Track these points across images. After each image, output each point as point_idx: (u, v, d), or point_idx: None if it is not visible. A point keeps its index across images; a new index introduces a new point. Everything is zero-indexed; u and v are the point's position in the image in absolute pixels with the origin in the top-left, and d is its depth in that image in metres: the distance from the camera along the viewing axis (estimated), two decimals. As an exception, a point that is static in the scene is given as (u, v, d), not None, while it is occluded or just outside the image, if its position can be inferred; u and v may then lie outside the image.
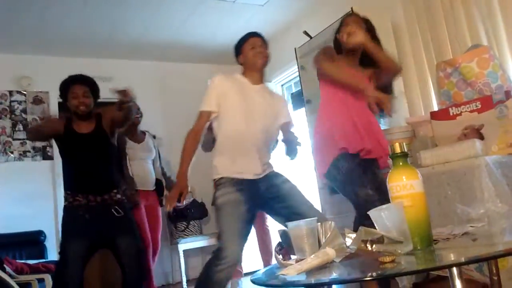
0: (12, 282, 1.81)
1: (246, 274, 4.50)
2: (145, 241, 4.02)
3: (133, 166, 4.16)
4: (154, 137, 4.48)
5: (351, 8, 3.71)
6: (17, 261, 3.77)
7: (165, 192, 4.38)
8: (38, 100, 5.00)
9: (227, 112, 2.57)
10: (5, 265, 3.36)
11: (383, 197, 2.08)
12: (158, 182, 4.35)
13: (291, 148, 2.54)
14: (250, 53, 2.65)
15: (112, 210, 3.00)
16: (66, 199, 3.02)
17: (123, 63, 5.40)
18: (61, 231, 3.07)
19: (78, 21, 4.50)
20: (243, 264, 4.28)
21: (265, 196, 2.54)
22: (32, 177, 4.71)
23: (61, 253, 2.93)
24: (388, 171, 1.27)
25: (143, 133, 4.38)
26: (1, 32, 4.43)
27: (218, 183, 2.51)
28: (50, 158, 4.89)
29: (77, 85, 3.07)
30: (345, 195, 2.55)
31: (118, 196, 3.08)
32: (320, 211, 2.99)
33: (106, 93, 5.30)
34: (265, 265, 4.25)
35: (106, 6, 4.27)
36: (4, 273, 1.88)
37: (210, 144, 3.94)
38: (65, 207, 3.02)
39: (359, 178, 2.40)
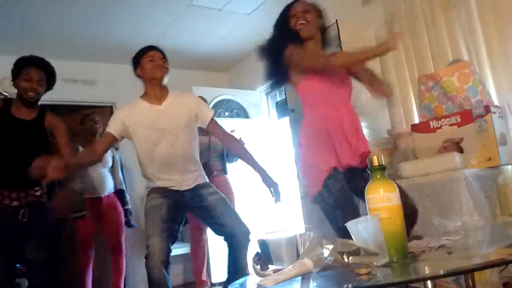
0: None
1: (214, 285, 4.51)
2: (86, 252, 4.05)
3: (84, 175, 4.09)
4: (116, 148, 4.42)
5: (336, 20, 3.74)
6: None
7: (129, 206, 4.39)
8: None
9: (136, 143, 2.72)
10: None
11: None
12: (120, 192, 4.34)
13: (276, 193, 2.70)
14: (149, 65, 2.72)
15: (21, 212, 2.58)
16: None
17: (107, 67, 5.37)
18: None
19: (62, 23, 4.46)
20: (210, 274, 4.30)
21: (189, 205, 2.72)
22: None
23: None
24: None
25: None
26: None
27: (147, 194, 2.73)
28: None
29: (34, 68, 2.76)
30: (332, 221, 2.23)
31: (38, 194, 2.69)
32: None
33: (89, 97, 5.33)
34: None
35: (91, 8, 4.24)
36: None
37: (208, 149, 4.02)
38: None
39: (349, 201, 2.16)
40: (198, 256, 4.20)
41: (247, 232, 2.64)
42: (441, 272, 1.04)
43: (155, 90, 2.73)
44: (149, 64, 2.72)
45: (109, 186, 4.26)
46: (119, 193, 4.32)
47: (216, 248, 4.42)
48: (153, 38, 4.96)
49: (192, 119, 2.74)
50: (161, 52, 2.81)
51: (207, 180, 2.83)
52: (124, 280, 4.92)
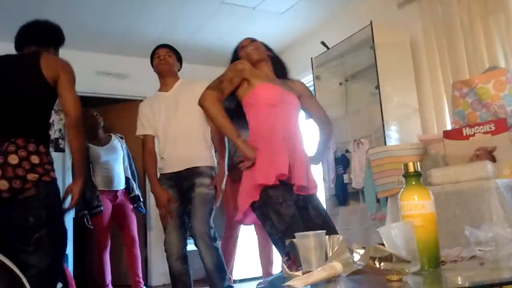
0: (16, 269, 1.78)
1: (236, 282, 4.52)
2: (100, 245, 4.21)
3: (97, 169, 4.27)
4: (121, 137, 4.58)
5: (370, 22, 3.71)
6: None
7: (135, 192, 4.46)
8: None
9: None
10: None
11: None
12: (126, 180, 4.44)
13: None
14: (155, 62, 3.14)
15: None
16: None
17: (139, 61, 5.43)
18: None
19: (98, 17, 4.54)
20: (233, 271, 4.30)
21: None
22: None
23: None
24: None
25: (109, 135, 4.52)
26: (20, 25, 4.48)
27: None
28: (62, 150, 4.93)
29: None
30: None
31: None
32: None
33: (122, 90, 5.42)
34: (264, 274, 4.25)
35: (126, 4, 4.31)
36: (7, 260, 1.81)
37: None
38: None
39: None
40: (227, 251, 4.22)
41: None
42: (467, 285, 1.03)
43: (165, 81, 3.14)
44: (156, 60, 3.14)
45: (123, 180, 4.40)
46: (125, 181, 4.43)
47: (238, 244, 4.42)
48: (185, 36, 5.02)
49: (197, 103, 2.90)
50: (169, 47, 3.18)
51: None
52: (147, 271, 5.01)
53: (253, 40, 2.53)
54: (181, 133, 2.97)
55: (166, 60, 3.10)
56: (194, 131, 2.99)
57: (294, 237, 2.05)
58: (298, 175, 2.23)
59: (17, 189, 2.10)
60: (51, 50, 2.48)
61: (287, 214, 2.12)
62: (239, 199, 2.28)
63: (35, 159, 2.17)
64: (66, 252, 2.81)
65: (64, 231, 2.31)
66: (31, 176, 2.12)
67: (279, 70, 2.55)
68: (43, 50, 2.37)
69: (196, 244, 2.85)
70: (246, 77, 2.34)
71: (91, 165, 4.26)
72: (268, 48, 2.56)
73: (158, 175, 3.04)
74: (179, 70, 3.23)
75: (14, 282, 1.59)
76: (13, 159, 2.11)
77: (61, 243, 2.29)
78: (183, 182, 2.94)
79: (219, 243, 2.95)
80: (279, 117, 2.30)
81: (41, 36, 2.48)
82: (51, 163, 2.26)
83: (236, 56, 2.53)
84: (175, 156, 2.96)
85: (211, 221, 2.89)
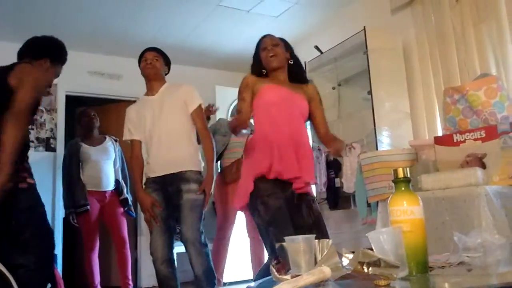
0: (4, 270, 1.86)
1: (226, 284, 4.51)
2: (87, 245, 4.18)
3: (86, 168, 4.26)
4: (116, 140, 4.55)
5: (364, 27, 3.73)
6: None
7: (125, 195, 4.44)
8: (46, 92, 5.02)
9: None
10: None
11: None
12: (116, 182, 4.42)
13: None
14: (142, 65, 3.10)
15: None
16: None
17: (133, 62, 5.41)
18: None
19: (92, 18, 4.53)
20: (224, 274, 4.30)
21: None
22: (33, 168, 4.70)
23: None
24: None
25: (104, 137, 4.50)
26: (14, 25, 4.46)
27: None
28: (53, 149, 4.91)
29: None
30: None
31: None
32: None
33: (115, 91, 5.39)
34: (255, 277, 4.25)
35: (121, 5, 4.30)
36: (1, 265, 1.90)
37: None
38: None
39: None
40: (219, 253, 4.21)
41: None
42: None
43: (151, 85, 3.10)
44: (143, 64, 3.10)
45: (112, 181, 4.36)
46: (116, 183, 4.40)
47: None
48: (180, 37, 5.02)
49: (182, 106, 2.99)
50: (157, 51, 3.15)
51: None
52: (136, 273, 4.99)
53: (274, 44, 2.55)
54: (165, 137, 2.94)
55: (153, 64, 3.06)
56: (178, 134, 2.96)
57: (277, 229, 2.18)
58: (291, 170, 2.34)
59: None
60: (45, 63, 2.49)
61: (273, 205, 2.25)
62: (239, 190, 2.44)
63: None
64: (55, 252, 2.79)
65: (48, 231, 2.39)
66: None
67: (295, 75, 2.61)
68: (31, 61, 2.39)
69: (187, 250, 2.84)
70: (253, 88, 2.47)
71: (81, 164, 4.25)
72: (287, 48, 2.62)
73: (144, 179, 3.02)
74: (166, 74, 3.20)
75: (3, 282, 1.61)
76: None
77: (47, 243, 2.35)
78: (168, 186, 2.90)
79: (210, 248, 2.94)
80: (280, 114, 2.42)
81: (35, 48, 2.52)
82: (27, 169, 2.32)
83: (257, 54, 2.59)
84: (159, 160, 2.93)
85: (201, 226, 2.87)
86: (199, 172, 2.94)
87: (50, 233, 2.39)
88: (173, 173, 2.88)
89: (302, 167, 2.38)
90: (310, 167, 2.47)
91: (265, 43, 2.56)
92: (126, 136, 3.08)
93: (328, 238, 2.39)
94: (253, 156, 2.41)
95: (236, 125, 2.37)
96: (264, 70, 2.54)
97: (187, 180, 2.86)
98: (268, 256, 2.42)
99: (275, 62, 2.51)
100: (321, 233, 2.35)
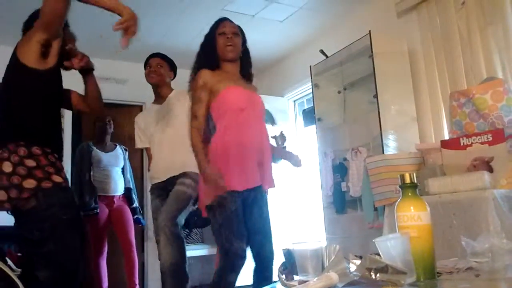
0: (12, 275, 1.77)
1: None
2: (95, 250, 4.20)
3: (96, 172, 4.30)
4: (126, 150, 4.60)
5: (369, 31, 3.73)
6: (18, 254, 3.80)
7: (136, 204, 4.48)
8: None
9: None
10: (6, 258, 3.38)
11: None
12: (127, 190, 4.46)
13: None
14: (146, 73, 3.08)
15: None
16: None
17: (139, 67, 5.43)
18: None
19: (97, 23, 4.55)
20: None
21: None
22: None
23: None
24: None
25: (114, 145, 4.55)
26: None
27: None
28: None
29: None
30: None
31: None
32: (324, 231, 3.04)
33: (120, 95, 5.41)
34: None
35: (127, 10, 4.33)
36: (5, 266, 1.79)
37: None
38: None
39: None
40: None
41: None
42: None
43: (157, 92, 3.10)
44: (147, 71, 3.08)
45: (121, 187, 4.41)
46: (127, 191, 4.45)
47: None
48: (184, 42, 5.03)
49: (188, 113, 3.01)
50: (161, 57, 3.11)
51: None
52: (143, 278, 5.00)
53: (234, 33, 2.43)
54: (168, 143, 2.94)
55: (157, 72, 3.04)
56: (180, 139, 2.85)
57: (232, 228, 2.20)
58: (254, 180, 2.33)
59: (14, 199, 1.94)
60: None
61: (228, 208, 2.22)
62: (201, 196, 2.41)
63: (30, 163, 1.97)
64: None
65: (75, 243, 2.07)
66: (28, 183, 1.94)
67: (245, 70, 2.55)
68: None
69: (156, 241, 2.81)
70: (210, 88, 2.35)
71: (91, 168, 4.27)
72: (244, 39, 2.53)
73: (149, 186, 3.08)
74: (172, 79, 3.18)
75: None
76: (7, 167, 1.94)
77: (72, 257, 2.05)
78: (168, 187, 2.93)
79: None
80: (248, 120, 2.35)
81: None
82: (53, 163, 2.04)
83: (212, 39, 2.44)
84: (162, 166, 2.96)
85: (179, 220, 2.79)
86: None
87: (76, 245, 2.08)
88: (174, 176, 2.92)
89: (264, 175, 2.37)
90: (270, 173, 2.46)
91: (224, 28, 2.44)
92: (138, 144, 3.12)
93: (271, 243, 2.45)
94: (222, 168, 2.26)
95: (194, 144, 2.31)
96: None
97: (184, 175, 2.89)
98: (220, 258, 2.34)
99: (231, 54, 2.40)
100: (266, 236, 2.40)
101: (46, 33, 2.03)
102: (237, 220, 2.26)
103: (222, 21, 2.48)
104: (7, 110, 2.12)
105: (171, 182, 2.91)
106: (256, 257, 2.42)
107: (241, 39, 2.48)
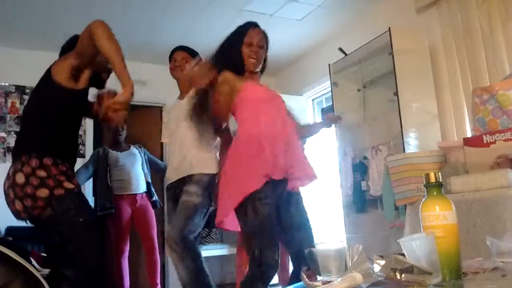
0: (38, 275, 1.82)
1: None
2: (117, 249, 4.25)
3: (115, 172, 4.34)
4: (140, 146, 4.63)
5: (389, 28, 3.70)
6: (43, 254, 3.87)
7: (155, 197, 4.54)
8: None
9: None
10: (31, 258, 3.44)
11: None
12: (146, 184, 4.49)
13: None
14: (171, 67, 2.99)
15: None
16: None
17: (158, 68, 5.48)
18: None
19: (117, 25, 4.59)
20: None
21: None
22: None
23: None
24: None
25: (129, 146, 4.59)
26: (45, 34, 4.57)
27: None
28: (82, 156, 5.00)
29: None
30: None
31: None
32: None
33: (140, 97, 5.43)
34: (282, 284, 4.22)
35: (145, 12, 4.38)
36: (32, 266, 1.85)
37: None
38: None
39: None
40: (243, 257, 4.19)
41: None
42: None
43: (181, 87, 3.00)
44: (171, 65, 2.99)
45: (142, 185, 4.42)
46: (147, 185, 4.48)
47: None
48: (204, 43, 5.02)
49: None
50: (187, 51, 3.02)
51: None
52: (164, 278, 5.04)
53: (260, 46, 2.43)
54: (178, 143, 2.85)
55: (182, 67, 2.95)
56: (189, 140, 2.82)
57: (265, 236, 2.10)
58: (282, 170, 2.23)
59: (29, 207, 2.06)
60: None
61: (262, 212, 2.12)
62: (220, 201, 2.25)
63: (41, 173, 2.09)
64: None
65: (94, 242, 2.19)
66: (41, 192, 2.06)
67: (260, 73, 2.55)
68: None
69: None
70: (232, 85, 2.35)
71: (109, 169, 4.32)
72: (267, 49, 2.52)
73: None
74: None
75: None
76: (20, 178, 2.07)
77: (93, 255, 2.17)
78: (176, 190, 2.85)
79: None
80: (271, 112, 2.32)
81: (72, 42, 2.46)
82: (63, 172, 2.15)
83: (239, 46, 2.42)
84: (172, 166, 2.91)
85: (188, 228, 2.67)
86: (208, 175, 2.78)
87: (96, 244, 2.21)
88: (183, 177, 2.82)
89: (298, 167, 2.29)
90: (306, 165, 2.36)
91: (252, 38, 2.42)
92: (163, 139, 3.10)
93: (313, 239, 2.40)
94: (252, 156, 2.20)
95: (219, 109, 2.29)
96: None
97: (191, 181, 2.76)
98: (249, 264, 2.21)
99: (253, 67, 2.41)
100: (307, 232, 2.36)
101: (78, 60, 2.23)
102: (270, 226, 2.16)
103: (252, 28, 2.44)
104: (28, 122, 2.27)
105: (179, 184, 2.85)
106: (295, 259, 2.36)
107: (265, 51, 2.48)
